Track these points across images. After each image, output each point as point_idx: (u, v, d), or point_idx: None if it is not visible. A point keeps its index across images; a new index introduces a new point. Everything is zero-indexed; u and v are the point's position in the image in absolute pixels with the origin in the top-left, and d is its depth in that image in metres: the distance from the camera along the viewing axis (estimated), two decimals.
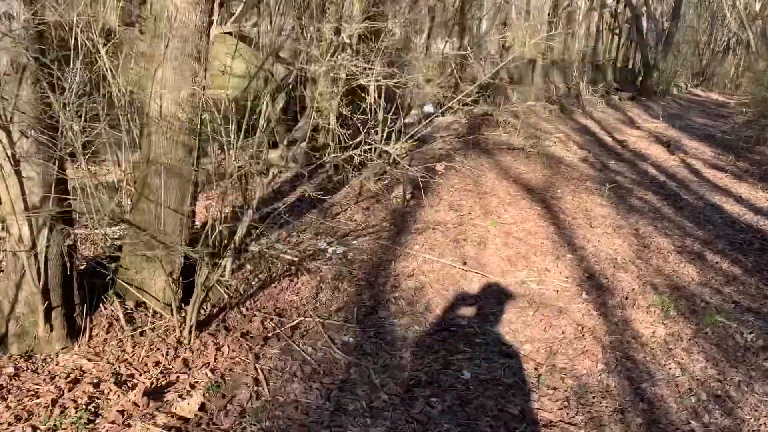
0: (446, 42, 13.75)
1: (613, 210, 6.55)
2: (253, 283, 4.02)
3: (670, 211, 6.72)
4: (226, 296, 3.75)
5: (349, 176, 6.58)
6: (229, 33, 7.54)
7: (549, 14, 17.50)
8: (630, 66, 27.45)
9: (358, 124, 5.35)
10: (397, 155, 7.02)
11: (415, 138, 8.34)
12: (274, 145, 7.20)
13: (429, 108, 11.73)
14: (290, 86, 7.45)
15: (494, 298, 4.24)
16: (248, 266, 4.18)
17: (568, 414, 2.96)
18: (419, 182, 5.85)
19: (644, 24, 24.73)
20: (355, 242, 4.80)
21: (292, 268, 4.25)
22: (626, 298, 4.32)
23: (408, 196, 6.04)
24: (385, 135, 6.69)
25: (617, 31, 25.50)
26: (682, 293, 4.42)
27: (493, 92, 14.03)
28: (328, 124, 6.70)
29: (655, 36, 24.49)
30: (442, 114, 11.62)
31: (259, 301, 3.80)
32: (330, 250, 4.57)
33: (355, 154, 4.71)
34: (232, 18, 7.86)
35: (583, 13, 22.38)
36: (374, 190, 6.18)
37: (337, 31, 6.68)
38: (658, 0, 27.68)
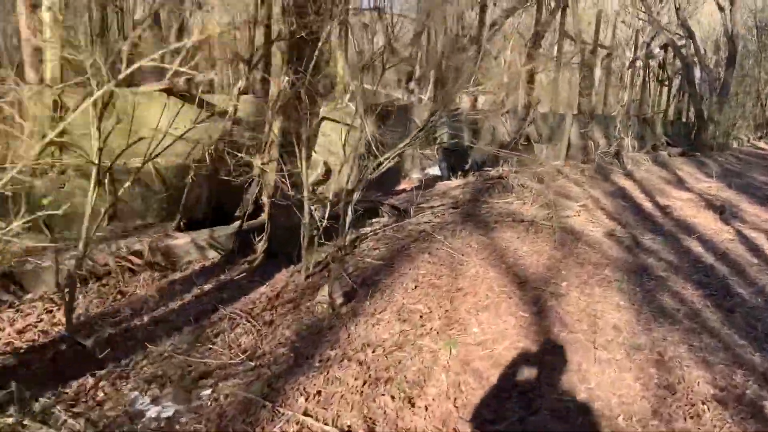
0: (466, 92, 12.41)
1: (633, 315, 4.78)
2: None
3: (716, 318, 4.89)
4: None
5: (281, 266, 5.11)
6: (167, 90, 6.33)
7: (582, 64, 15.95)
8: (683, 119, 25.38)
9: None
10: (352, 238, 5.53)
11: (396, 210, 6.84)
12: (193, 226, 5.81)
13: (435, 170, 10.23)
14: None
15: None
16: None
17: None
18: (369, 275, 4.34)
19: (696, 74, 22.80)
20: (207, 392, 3.24)
21: None
22: None
23: (340, 301, 4.46)
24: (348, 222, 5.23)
25: (666, 82, 23.61)
26: None
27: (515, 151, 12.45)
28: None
29: (708, 86, 22.47)
30: (449, 177, 10.12)
31: None
32: (151, 412, 3.02)
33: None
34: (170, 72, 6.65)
35: (625, 63, 20.75)
36: (301, 288, 4.66)
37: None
38: (711, 48, 25.71)
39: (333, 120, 8.30)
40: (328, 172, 8.34)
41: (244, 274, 5.01)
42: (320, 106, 4.82)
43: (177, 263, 5.09)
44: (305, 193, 4.61)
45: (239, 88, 6.14)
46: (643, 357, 4.00)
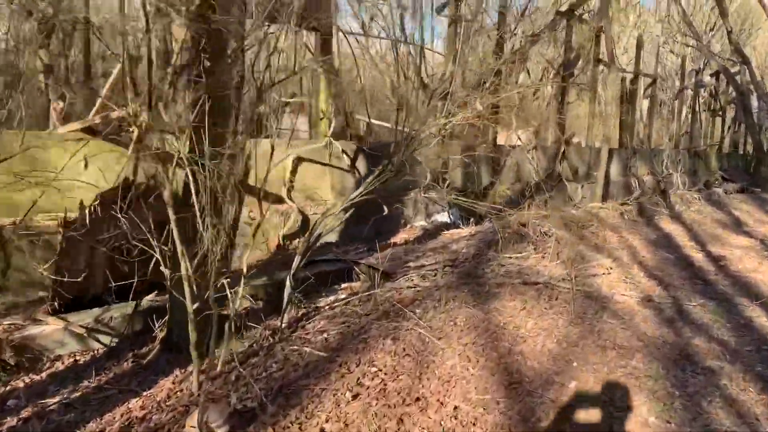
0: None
1: None
2: None
3: None
4: None
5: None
6: (87, 130, 5.25)
7: (623, 93, 14.42)
8: (740, 151, 23.30)
9: None
10: (294, 317, 4.25)
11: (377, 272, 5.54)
12: (88, 304, 4.62)
13: (443, 217, 8.89)
14: None
15: None
16: None
17: None
18: (295, 377, 3.03)
19: (754, 103, 20.84)
20: None
21: None
22: None
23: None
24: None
25: (720, 113, 21.69)
26: None
27: (542, 191, 11.02)
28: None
29: (767, 115, 20.50)
30: (459, 225, 8.76)
31: None
32: None
33: None
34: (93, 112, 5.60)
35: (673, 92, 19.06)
36: (183, 403, 3.36)
37: None
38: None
39: (311, 161, 7.12)
40: (306, 222, 7.12)
41: (118, 376, 3.75)
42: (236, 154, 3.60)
43: (38, 360, 3.89)
44: (183, 270, 3.34)
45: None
46: None
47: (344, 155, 7.42)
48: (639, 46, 14.99)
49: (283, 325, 4.25)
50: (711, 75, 20.57)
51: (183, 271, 3.30)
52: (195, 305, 3.49)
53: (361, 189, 4.70)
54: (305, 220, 7.06)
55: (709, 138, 21.55)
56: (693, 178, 17.82)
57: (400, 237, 7.92)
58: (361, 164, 7.93)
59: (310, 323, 4.47)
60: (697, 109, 19.69)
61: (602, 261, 7.19)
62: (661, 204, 12.49)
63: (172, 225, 3.29)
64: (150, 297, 4.64)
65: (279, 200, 7.01)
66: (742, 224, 11.84)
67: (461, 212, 9.48)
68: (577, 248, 7.73)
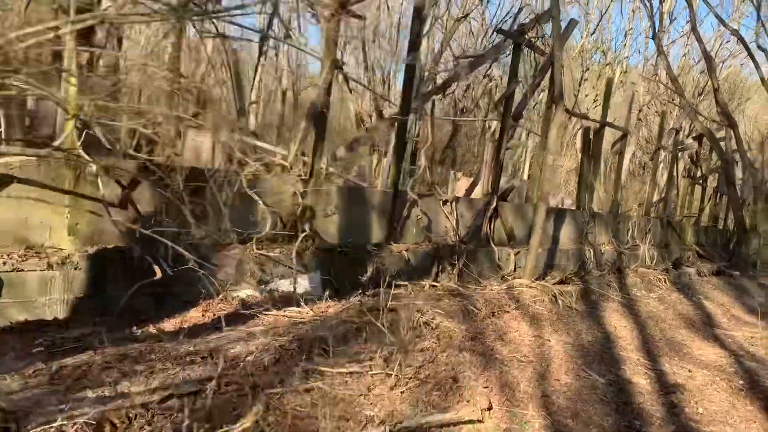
0: None
1: None
2: None
3: None
4: None
5: None
6: None
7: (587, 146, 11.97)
8: (719, 226, 20.94)
9: None
10: None
11: None
12: None
13: (288, 285, 6.22)
14: None
15: None
16: None
17: None
18: None
19: (738, 173, 18.54)
20: None
21: None
22: None
23: None
24: None
25: (700, 181, 19.33)
26: None
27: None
28: None
29: (752, 189, 18.21)
30: (322, 296, 6.05)
31: None
32: None
33: None
34: None
35: (627, 155, 16.64)
36: None
37: None
38: (757, 142, 21.56)
39: (30, 182, 4.38)
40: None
41: None
42: None
43: None
44: None
45: None
46: None
47: (101, 179, 4.71)
48: (607, 91, 12.55)
49: None
50: (693, 138, 18.27)
51: None
52: None
53: None
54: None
55: (686, 208, 19.14)
56: (663, 251, 15.30)
57: (190, 316, 5.13)
58: (146, 196, 5.20)
59: None
60: (674, 173, 17.30)
61: (477, 393, 4.44)
62: (613, 286, 9.84)
63: None
64: None
65: None
66: (713, 323, 9.22)
67: (324, 281, 6.74)
68: (455, 357, 4.99)
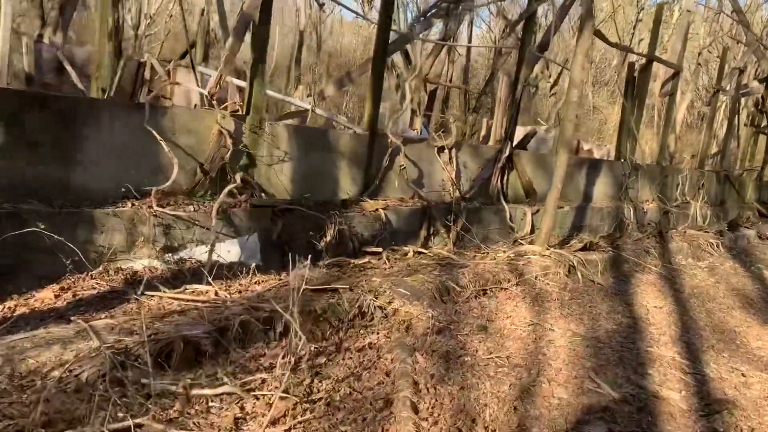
0: None
1: None
2: None
3: None
4: None
5: None
6: None
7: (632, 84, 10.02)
8: None
9: None
10: None
11: None
12: None
13: (225, 248, 4.79)
14: None
15: None
16: None
17: None
18: None
19: None
20: None
21: None
22: None
23: None
24: None
25: (766, 130, 16.88)
26: None
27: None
28: None
29: None
30: (261, 263, 4.61)
31: None
32: None
33: None
34: None
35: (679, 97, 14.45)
36: None
37: None
38: None
39: None
40: None
41: None
42: None
43: None
44: None
45: None
46: None
47: None
48: (657, 18, 10.46)
49: None
50: (759, 80, 15.81)
51: None
52: None
53: None
54: None
55: (747, 161, 16.80)
56: (719, 210, 13.27)
57: (38, 298, 3.75)
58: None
59: None
60: (735, 121, 15.02)
61: (411, 427, 2.93)
62: (652, 253, 8.09)
63: None
64: None
65: None
66: None
67: (267, 243, 5.29)
68: (401, 362, 3.49)
